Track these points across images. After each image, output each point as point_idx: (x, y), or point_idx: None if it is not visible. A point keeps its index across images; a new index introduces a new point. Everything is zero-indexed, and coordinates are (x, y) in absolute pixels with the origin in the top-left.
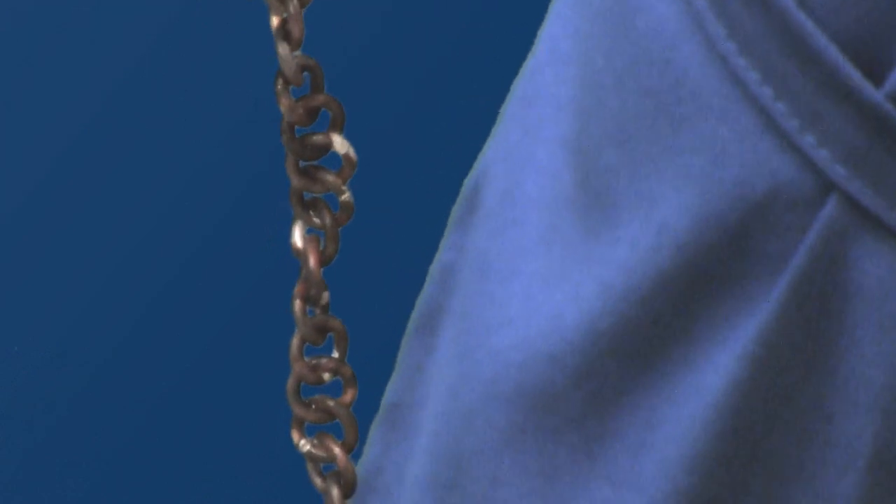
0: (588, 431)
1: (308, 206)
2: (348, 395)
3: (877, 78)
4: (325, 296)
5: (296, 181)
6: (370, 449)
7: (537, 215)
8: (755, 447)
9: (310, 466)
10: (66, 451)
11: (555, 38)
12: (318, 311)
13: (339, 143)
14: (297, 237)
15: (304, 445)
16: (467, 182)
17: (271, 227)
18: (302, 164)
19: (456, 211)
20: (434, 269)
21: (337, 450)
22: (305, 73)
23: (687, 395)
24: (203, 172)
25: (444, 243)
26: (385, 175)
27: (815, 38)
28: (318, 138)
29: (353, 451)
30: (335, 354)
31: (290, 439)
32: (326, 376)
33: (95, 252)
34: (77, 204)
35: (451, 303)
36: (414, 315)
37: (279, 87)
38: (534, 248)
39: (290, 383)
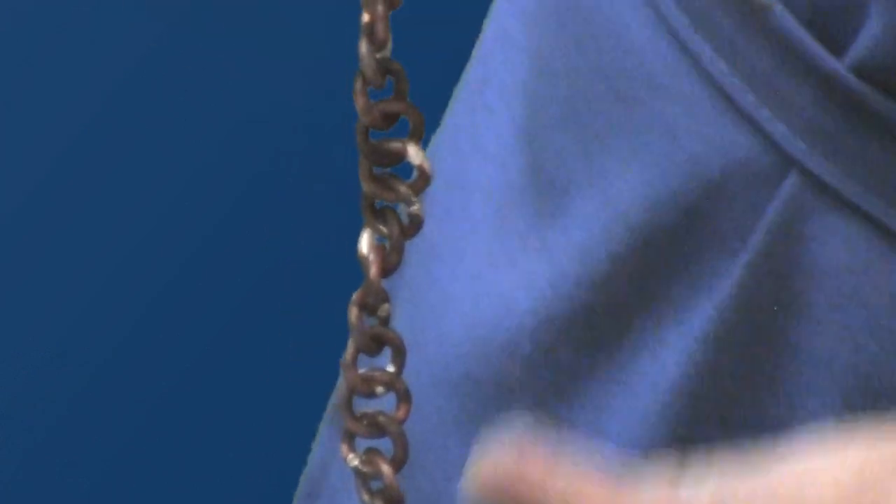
0: (540, 419)
1: (377, 214)
2: (401, 411)
3: (837, 49)
4: (386, 307)
5: (367, 187)
6: (317, 449)
7: (483, 200)
8: (713, 430)
9: (357, 481)
10: (66, 451)
11: (503, 18)
12: (375, 320)
13: (414, 154)
14: (364, 244)
15: (353, 460)
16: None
17: (285, 228)
18: (376, 171)
19: None
20: None
21: (385, 467)
22: (389, 79)
23: (643, 379)
24: (209, 173)
25: None
26: None
27: (772, 9)
28: (394, 145)
29: (402, 468)
30: (391, 368)
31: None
32: (380, 390)
33: (95, 252)
34: (77, 204)
35: (398, 290)
36: None
37: (358, 86)
38: (480, 232)
39: (343, 393)
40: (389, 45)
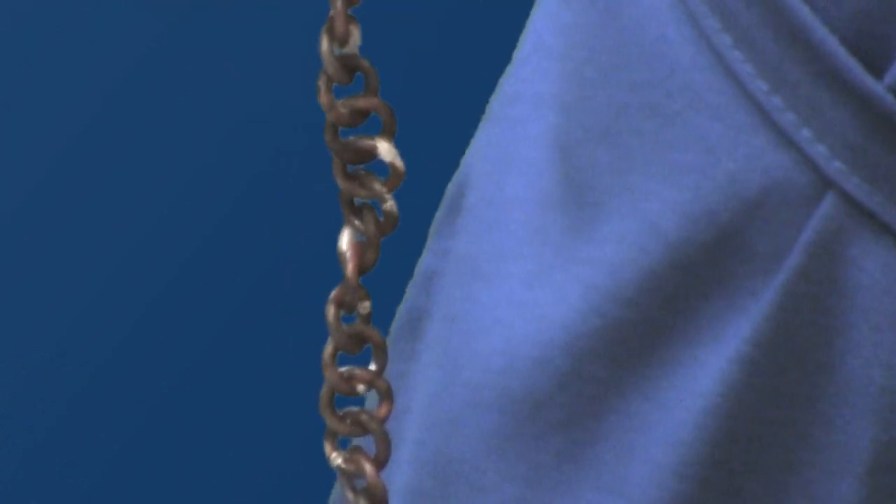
0: (573, 436)
1: (356, 211)
2: (383, 409)
3: (877, 70)
4: (366, 305)
5: (341, 184)
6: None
7: (522, 216)
8: (749, 452)
9: (343, 480)
10: (66, 451)
11: (539, 31)
12: (356, 318)
13: (385, 151)
14: (345, 242)
15: (336, 458)
16: (450, 186)
17: (279, 227)
18: (351, 168)
19: (438, 216)
20: (417, 274)
21: (367, 466)
22: (359, 74)
23: (677, 398)
24: (205, 172)
25: (427, 248)
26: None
27: (813, 29)
28: (365, 143)
29: (384, 467)
30: (373, 367)
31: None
32: (361, 388)
33: (95, 252)
34: (76, 204)
35: (435, 308)
36: (396, 321)
37: (321, 83)
38: (519, 250)
39: (324, 393)
40: (353, 42)
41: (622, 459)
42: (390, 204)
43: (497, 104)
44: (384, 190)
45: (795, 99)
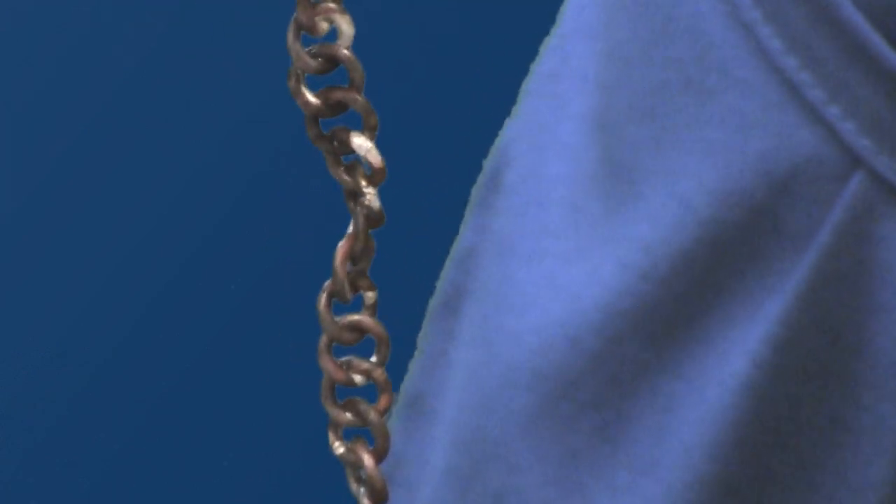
0: (606, 416)
1: (348, 199)
2: (382, 402)
3: None
4: (371, 296)
5: (332, 173)
6: (391, 440)
7: (561, 194)
8: (780, 433)
9: (347, 469)
10: (66, 451)
11: (578, 7)
12: (361, 309)
13: (358, 145)
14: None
15: (339, 448)
16: (487, 162)
17: (278, 224)
18: (345, 159)
19: (476, 192)
20: (454, 252)
21: (367, 458)
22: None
23: (708, 378)
24: (204, 171)
25: (465, 225)
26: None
27: (842, 6)
28: (340, 134)
29: (383, 459)
30: (374, 359)
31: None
32: (358, 379)
33: (95, 252)
34: (76, 204)
35: (473, 286)
36: (434, 298)
37: (290, 70)
38: (557, 229)
39: (324, 382)
40: (344, 36)
41: (655, 440)
42: (370, 198)
43: (536, 82)
44: (364, 183)
45: (824, 75)
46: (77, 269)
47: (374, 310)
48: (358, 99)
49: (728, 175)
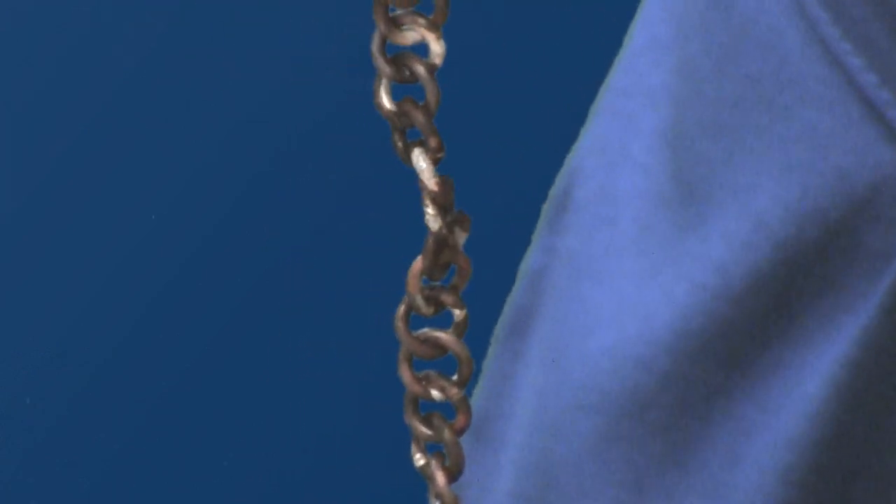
0: (676, 439)
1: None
2: (459, 421)
3: None
4: (460, 314)
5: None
6: (484, 383)
7: (631, 213)
8: (857, 457)
9: (427, 481)
10: (66, 451)
11: (651, 22)
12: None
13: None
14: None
15: (419, 460)
16: (557, 182)
17: (277, 225)
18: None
19: (546, 212)
20: (523, 272)
21: (439, 474)
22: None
23: (783, 401)
24: (205, 172)
25: (534, 245)
26: (473, 179)
27: None
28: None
29: (456, 479)
30: (455, 377)
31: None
32: (436, 394)
33: (95, 252)
34: (77, 204)
35: (542, 307)
36: (502, 320)
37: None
38: (627, 248)
39: (406, 395)
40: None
41: (727, 465)
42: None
43: (608, 99)
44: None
45: None
46: (77, 269)
47: (460, 328)
48: (420, 119)
49: (805, 193)
